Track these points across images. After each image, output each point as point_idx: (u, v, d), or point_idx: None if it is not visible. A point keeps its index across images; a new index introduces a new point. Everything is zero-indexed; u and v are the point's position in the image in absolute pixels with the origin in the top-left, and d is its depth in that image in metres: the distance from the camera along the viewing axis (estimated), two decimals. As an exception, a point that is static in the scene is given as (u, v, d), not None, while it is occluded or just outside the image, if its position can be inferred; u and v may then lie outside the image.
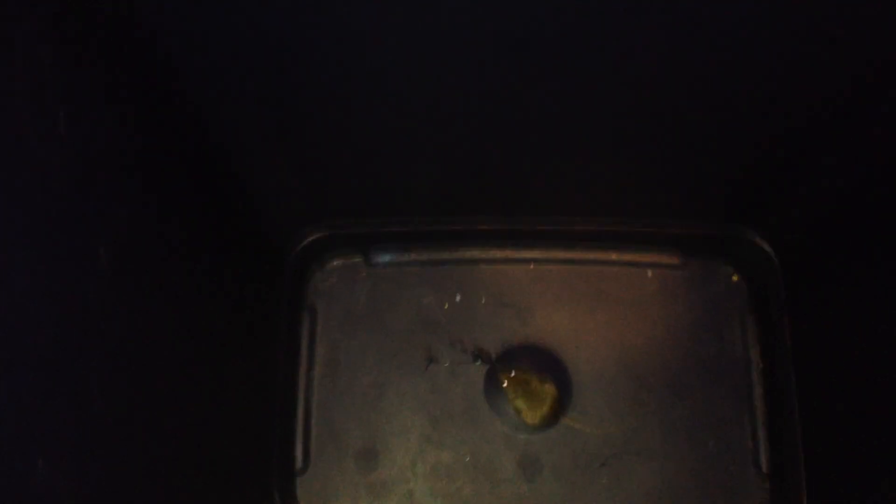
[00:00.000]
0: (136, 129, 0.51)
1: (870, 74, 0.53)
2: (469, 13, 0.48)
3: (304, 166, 0.72)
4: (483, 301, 0.87)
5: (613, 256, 0.87)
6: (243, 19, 0.49)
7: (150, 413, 0.54)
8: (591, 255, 0.87)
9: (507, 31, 0.50)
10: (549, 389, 0.81)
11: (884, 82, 0.54)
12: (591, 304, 0.86)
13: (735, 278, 0.86)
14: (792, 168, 0.67)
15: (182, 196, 0.59)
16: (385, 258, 0.87)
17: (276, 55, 0.53)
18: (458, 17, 0.49)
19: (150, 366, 0.54)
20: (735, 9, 0.48)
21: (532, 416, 0.80)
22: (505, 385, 0.81)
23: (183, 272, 0.59)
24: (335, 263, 0.88)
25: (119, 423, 0.49)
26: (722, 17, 0.49)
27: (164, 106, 0.55)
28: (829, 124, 0.60)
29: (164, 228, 0.56)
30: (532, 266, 0.88)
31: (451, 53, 0.53)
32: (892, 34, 0.49)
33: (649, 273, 0.87)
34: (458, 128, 0.64)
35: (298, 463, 0.81)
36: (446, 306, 0.87)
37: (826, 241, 0.72)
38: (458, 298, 0.87)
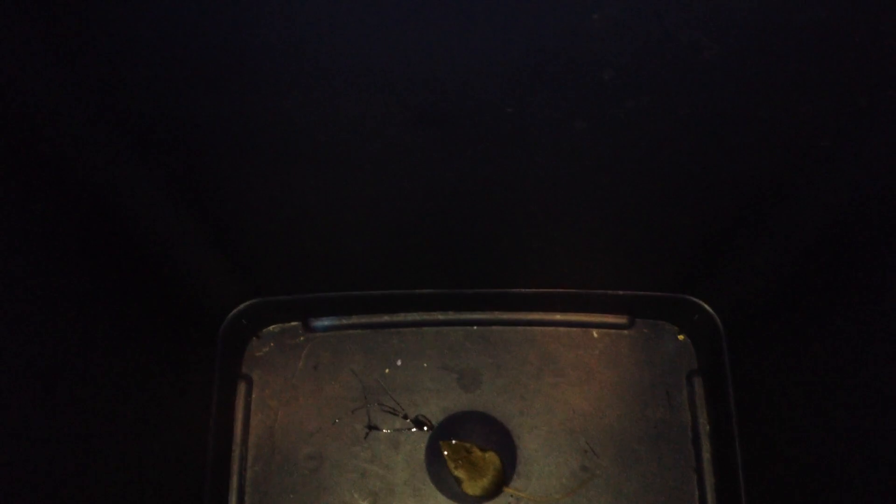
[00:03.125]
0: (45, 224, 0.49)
1: (794, 163, 0.54)
2: (398, 81, 0.46)
3: (230, 245, 0.69)
4: (425, 365, 0.84)
5: (558, 317, 0.85)
6: (137, 100, 0.47)
7: (67, 493, 0.52)
8: (536, 316, 0.85)
9: (438, 102, 0.48)
10: (491, 459, 0.78)
11: (808, 169, 0.54)
12: (536, 366, 0.84)
13: (681, 337, 0.84)
14: (733, 244, 0.67)
15: (100, 270, 0.57)
16: (323, 323, 0.85)
17: (182, 131, 0.51)
18: (384, 88, 0.47)
19: (65, 445, 0.52)
20: (680, 109, 0.48)
21: (473, 487, 0.77)
22: (445, 454, 0.78)
23: (100, 342, 0.57)
24: (271, 329, 0.85)
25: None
26: (669, 112, 0.48)
27: (63, 186, 0.53)
28: (764, 208, 0.60)
29: (82, 308, 0.53)
30: (475, 328, 0.86)
31: (376, 127, 0.51)
32: (816, 126, 0.50)
33: (595, 334, 0.85)
34: (393, 204, 0.62)
35: (230, 542, 0.77)
36: (387, 371, 0.84)
37: (766, 308, 0.71)
38: (398, 363, 0.84)
